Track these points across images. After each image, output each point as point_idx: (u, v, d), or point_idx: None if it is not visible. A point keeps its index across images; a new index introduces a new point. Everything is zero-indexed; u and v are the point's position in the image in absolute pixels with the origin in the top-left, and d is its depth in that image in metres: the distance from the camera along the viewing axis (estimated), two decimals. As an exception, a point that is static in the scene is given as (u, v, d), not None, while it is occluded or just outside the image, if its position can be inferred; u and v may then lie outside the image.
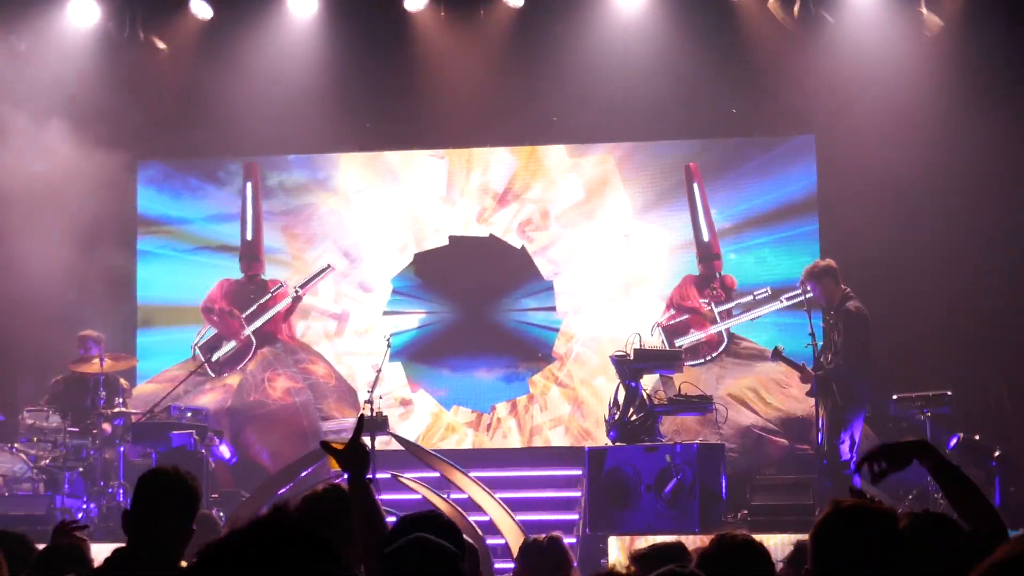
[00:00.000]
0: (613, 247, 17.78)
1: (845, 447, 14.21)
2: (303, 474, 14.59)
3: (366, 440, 5.68)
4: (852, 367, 14.29)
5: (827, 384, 14.19)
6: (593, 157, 17.91)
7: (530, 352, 17.83)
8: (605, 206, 17.86)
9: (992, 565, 2.81)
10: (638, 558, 6.45)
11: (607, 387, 15.90)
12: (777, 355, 14.53)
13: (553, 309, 17.79)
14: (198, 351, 17.98)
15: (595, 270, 17.82)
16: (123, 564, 5.36)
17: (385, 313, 17.94)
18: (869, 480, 5.07)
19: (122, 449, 15.35)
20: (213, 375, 17.95)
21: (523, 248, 17.98)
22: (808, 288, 14.56)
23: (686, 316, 17.33)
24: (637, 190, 17.77)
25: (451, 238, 18.08)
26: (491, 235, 18.02)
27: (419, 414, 17.74)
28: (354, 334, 18.16)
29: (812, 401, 14.47)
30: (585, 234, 17.89)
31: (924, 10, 16.25)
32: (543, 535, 7.42)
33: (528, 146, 18.06)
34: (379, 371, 14.94)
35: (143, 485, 5.55)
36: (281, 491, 14.42)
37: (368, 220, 18.24)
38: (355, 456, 5.45)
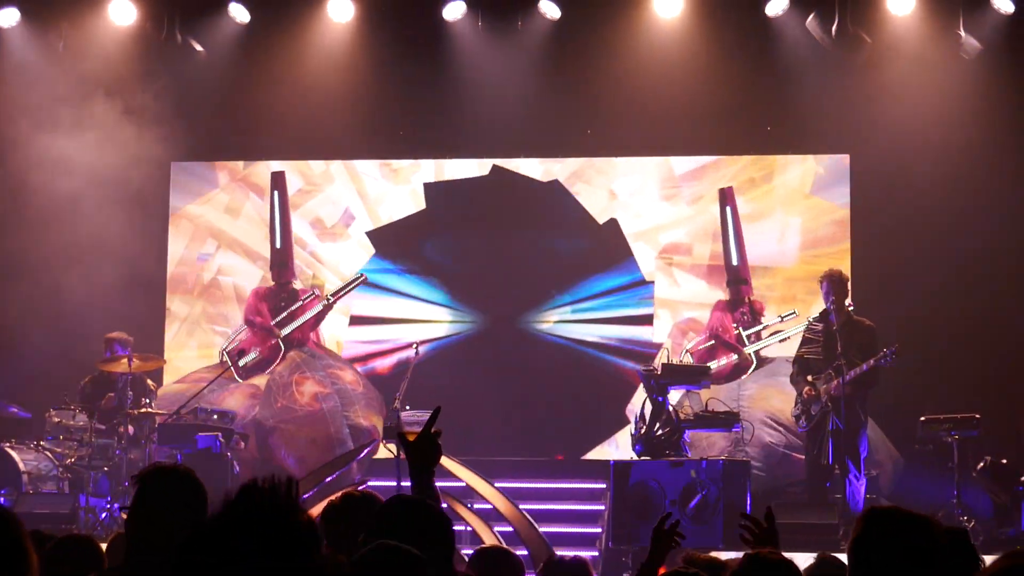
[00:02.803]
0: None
1: (863, 458, 14.28)
2: (328, 480, 14.57)
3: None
4: (872, 381, 14.35)
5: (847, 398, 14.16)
6: None
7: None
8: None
9: None
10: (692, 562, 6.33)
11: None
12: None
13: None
14: (226, 356, 17.98)
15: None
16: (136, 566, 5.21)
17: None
18: None
19: (148, 450, 15.37)
20: (240, 380, 17.94)
21: (664, 349, 17.10)
22: (824, 290, 14.53)
23: (716, 343, 17.25)
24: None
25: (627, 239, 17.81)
26: (649, 282, 17.48)
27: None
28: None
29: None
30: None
31: (962, 32, 16.20)
32: (570, 555, 7.23)
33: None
34: (408, 376, 14.90)
35: (147, 483, 5.22)
36: (306, 496, 14.41)
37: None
38: (422, 448, 5.32)
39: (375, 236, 18.03)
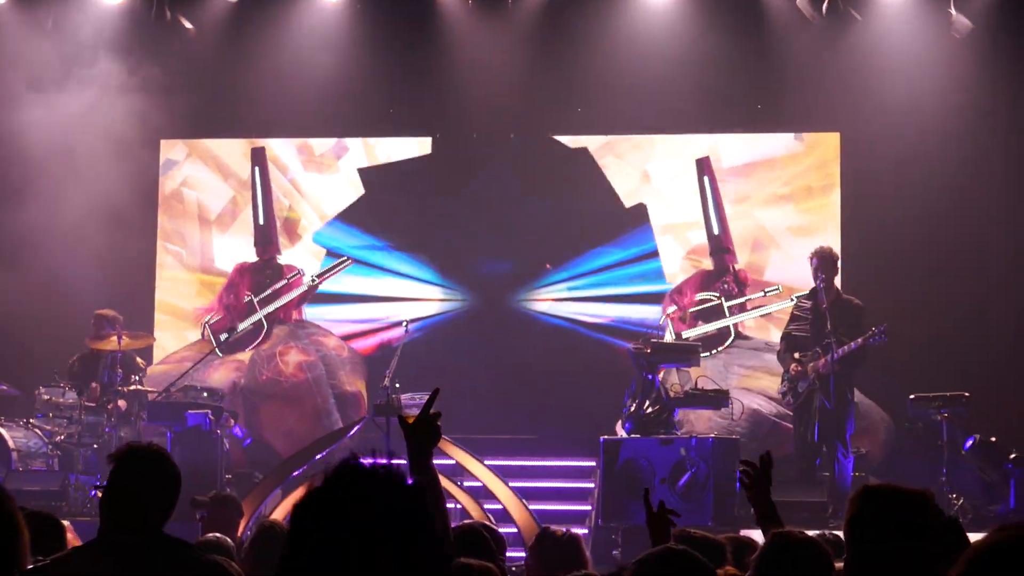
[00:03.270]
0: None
1: (849, 436, 14.25)
2: (318, 456, 14.57)
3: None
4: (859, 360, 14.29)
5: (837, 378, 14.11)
6: None
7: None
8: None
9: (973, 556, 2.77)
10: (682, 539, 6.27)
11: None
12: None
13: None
14: (208, 329, 17.91)
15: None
16: (104, 547, 5.15)
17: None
18: None
19: (138, 427, 15.35)
20: (221, 355, 17.86)
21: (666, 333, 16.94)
22: (814, 267, 14.40)
23: (675, 307, 17.19)
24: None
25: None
26: (656, 255, 17.42)
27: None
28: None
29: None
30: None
31: (953, 11, 16.19)
32: (562, 529, 7.21)
33: None
34: (397, 353, 14.90)
35: (121, 464, 5.21)
36: (296, 473, 14.42)
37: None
38: (421, 430, 5.17)
39: (367, 175, 17.77)
